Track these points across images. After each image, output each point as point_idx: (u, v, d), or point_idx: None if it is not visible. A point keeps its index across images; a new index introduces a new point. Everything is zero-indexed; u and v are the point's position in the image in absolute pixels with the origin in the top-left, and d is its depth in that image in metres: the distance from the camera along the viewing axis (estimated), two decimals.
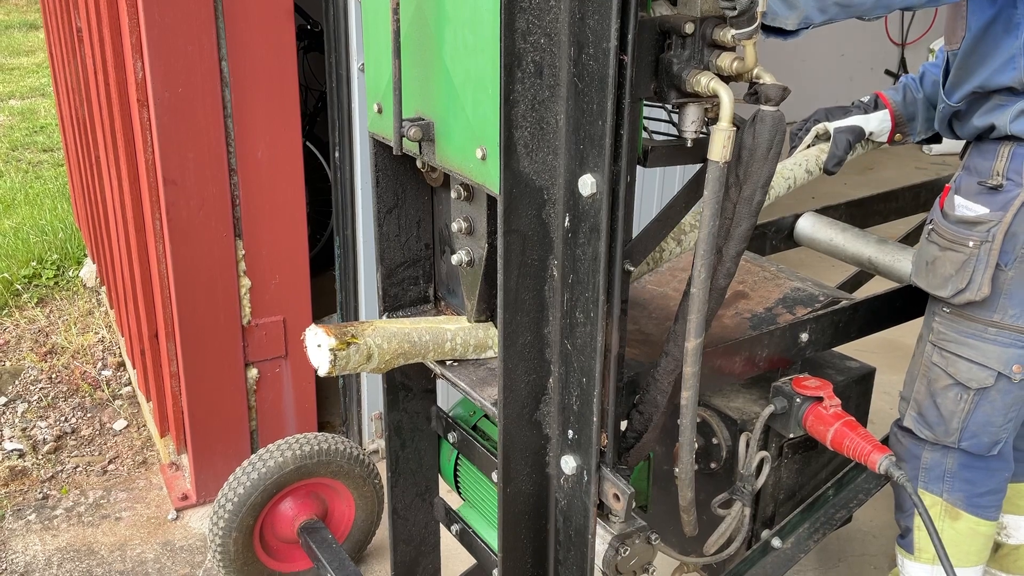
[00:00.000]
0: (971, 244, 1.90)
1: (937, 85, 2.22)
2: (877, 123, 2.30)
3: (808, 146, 2.32)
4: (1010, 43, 1.80)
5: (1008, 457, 2.10)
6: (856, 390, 2.30)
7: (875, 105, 2.33)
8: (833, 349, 2.26)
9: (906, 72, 7.79)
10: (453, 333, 1.71)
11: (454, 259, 1.68)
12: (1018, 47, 1.80)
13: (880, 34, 7.59)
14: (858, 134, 2.27)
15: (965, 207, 1.93)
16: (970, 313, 1.95)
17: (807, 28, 1.69)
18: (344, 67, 2.92)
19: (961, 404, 1.99)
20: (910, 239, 2.67)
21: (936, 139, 2.35)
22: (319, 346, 1.59)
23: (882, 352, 3.49)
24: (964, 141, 2.05)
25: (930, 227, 2.01)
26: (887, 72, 7.85)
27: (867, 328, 2.16)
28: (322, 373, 1.60)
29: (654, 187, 3.56)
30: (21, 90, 9.94)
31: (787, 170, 2.20)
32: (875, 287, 2.35)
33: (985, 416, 1.99)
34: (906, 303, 2.18)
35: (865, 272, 2.66)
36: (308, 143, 4.51)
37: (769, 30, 1.64)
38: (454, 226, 1.68)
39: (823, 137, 2.31)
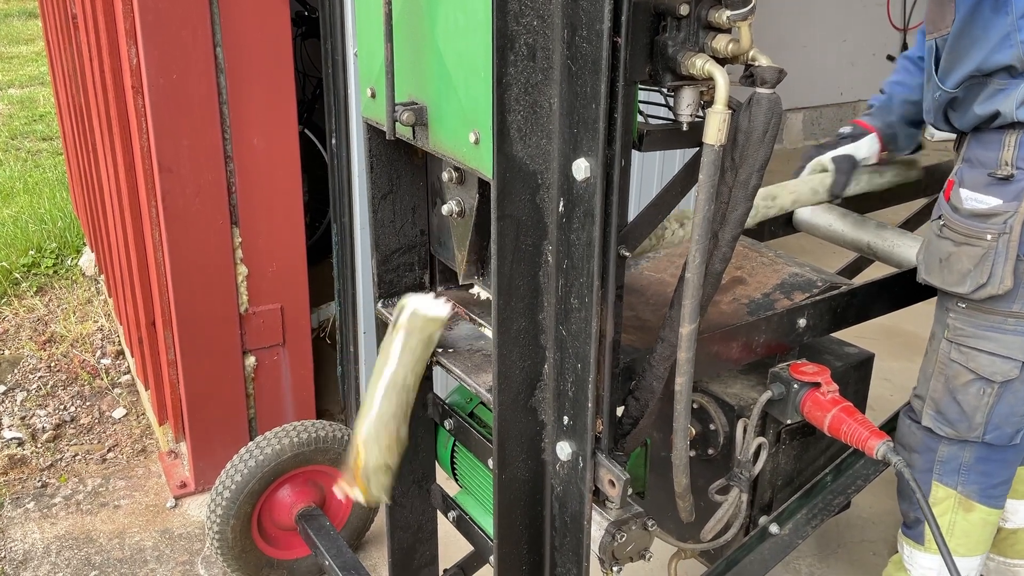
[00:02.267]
0: (989, 237, 1.86)
1: (906, 104, 2.26)
2: (867, 149, 2.31)
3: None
4: (1002, 21, 1.78)
5: (1023, 446, 2.09)
6: (855, 376, 2.29)
7: (862, 134, 2.35)
8: (832, 335, 2.25)
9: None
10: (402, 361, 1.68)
11: (444, 209, 1.65)
12: (1011, 23, 1.77)
13: (882, 19, 7.55)
14: (852, 162, 2.28)
15: (975, 200, 1.89)
16: (988, 306, 1.92)
17: None
18: (340, 53, 2.90)
19: (984, 398, 1.97)
20: (910, 225, 2.65)
21: (918, 149, 2.37)
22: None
23: (882, 338, 3.48)
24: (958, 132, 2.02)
25: (940, 222, 1.97)
26: (889, 58, 7.81)
27: (865, 314, 2.15)
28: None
29: (654, 171, 3.54)
30: (20, 79, 9.91)
31: (792, 185, 2.24)
32: (875, 273, 2.33)
33: (1008, 407, 1.98)
34: (905, 289, 2.17)
35: (865, 258, 2.65)
36: (306, 130, 4.49)
37: None
38: (444, 175, 1.65)
39: (818, 171, 2.32)
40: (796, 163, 2.47)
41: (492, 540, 1.68)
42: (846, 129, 2.37)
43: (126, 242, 3.23)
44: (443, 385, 2.91)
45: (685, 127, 1.49)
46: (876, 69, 7.76)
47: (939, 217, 1.99)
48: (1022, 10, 1.76)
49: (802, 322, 2.01)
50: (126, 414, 3.62)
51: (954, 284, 1.94)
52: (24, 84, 9.70)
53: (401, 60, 1.55)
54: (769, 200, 2.12)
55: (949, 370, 2.01)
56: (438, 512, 2.11)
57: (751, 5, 1.33)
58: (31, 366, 3.97)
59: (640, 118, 1.57)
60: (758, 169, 1.47)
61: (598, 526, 1.59)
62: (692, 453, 2.13)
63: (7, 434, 3.47)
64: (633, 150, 1.48)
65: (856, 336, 2.34)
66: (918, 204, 2.66)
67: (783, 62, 1.45)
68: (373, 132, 1.73)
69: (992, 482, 2.07)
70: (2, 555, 2.85)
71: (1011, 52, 1.79)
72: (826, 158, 2.29)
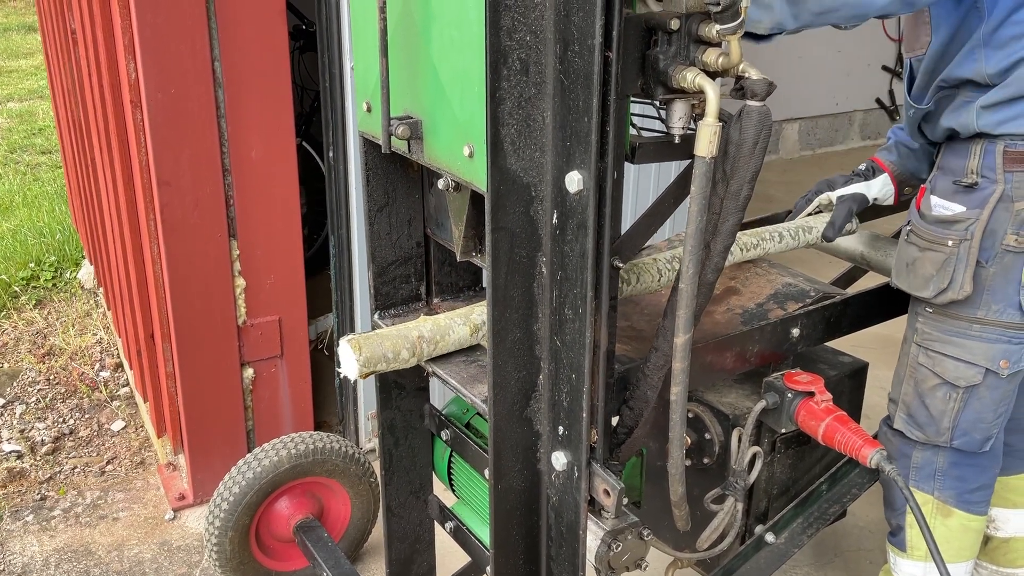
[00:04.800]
0: (950, 243, 1.90)
1: (903, 146, 2.26)
2: (879, 188, 2.30)
3: (809, 216, 2.33)
4: (977, 35, 1.81)
5: (998, 452, 2.10)
6: (849, 385, 2.30)
7: (873, 171, 2.33)
8: (827, 344, 2.26)
9: (903, 67, 7.79)
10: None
11: (440, 184, 1.66)
12: (978, 39, 1.80)
13: (877, 30, 7.59)
14: (861, 201, 2.27)
15: (942, 206, 1.93)
16: (953, 312, 1.95)
17: (780, 33, 1.70)
18: (337, 66, 2.93)
19: (950, 403, 1.99)
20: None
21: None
22: None
23: (878, 347, 3.49)
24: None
25: (908, 228, 2.01)
26: (884, 68, 7.85)
27: (858, 323, 2.16)
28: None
29: (649, 182, 3.57)
30: (19, 92, 9.95)
31: (783, 227, 2.23)
32: (869, 283, 2.35)
33: (975, 413, 1.99)
34: (897, 298, 2.18)
35: (859, 268, 2.66)
36: (304, 143, 4.51)
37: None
38: None
39: (827, 208, 2.31)
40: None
41: (489, 550, 1.69)
42: (862, 166, 2.36)
43: (125, 255, 3.25)
44: (440, 396, 2.92)
45: (677, 139, 1.52)
46: (872, 79, 7.80)
47: (908, 223, 2.02)
48: (994, 23, 1.79)
49: (795, 332, 2.03)
50: (125, 427, 3.63)
51: (918, 288, 1.97)
52: (23, 98, 9.73)
53: (396, 75, 1.57)
54: (751, 249, 2.14)
55: (918, 374, 2.04)
56: (435, 523, 2.11)
57: (740, 20, 1.35)
58: (30, 379, 3.98)
59: (633, 131, 1.59)
60: (749, 180, 1.49)
61: (594, 536, 1.60)
62: (687, 462, 2.14)
63: (6, 447, 3.47)
64: (626, 162, 1.50)
65: (853, 345, 2.35)
66: None
67: (779, 72, 1.47)
68: (369, 145, 1.75)
69: (968, 487, 2.08)
70: (1, 568, 2.85)
71: (972, 67, 1.83)
72: (833, 196, 2.29)
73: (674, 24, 1.39)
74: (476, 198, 1.65)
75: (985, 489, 2.10)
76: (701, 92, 1.41)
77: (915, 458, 2.09)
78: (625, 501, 1.58)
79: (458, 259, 1.75)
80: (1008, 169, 1.84)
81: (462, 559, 2.24)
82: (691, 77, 1.40)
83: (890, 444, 2.14)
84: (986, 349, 1.93)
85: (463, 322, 1.74)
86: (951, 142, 1.96)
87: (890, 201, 2.34)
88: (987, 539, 2.39)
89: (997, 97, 1.82)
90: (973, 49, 1.82)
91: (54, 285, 4.96)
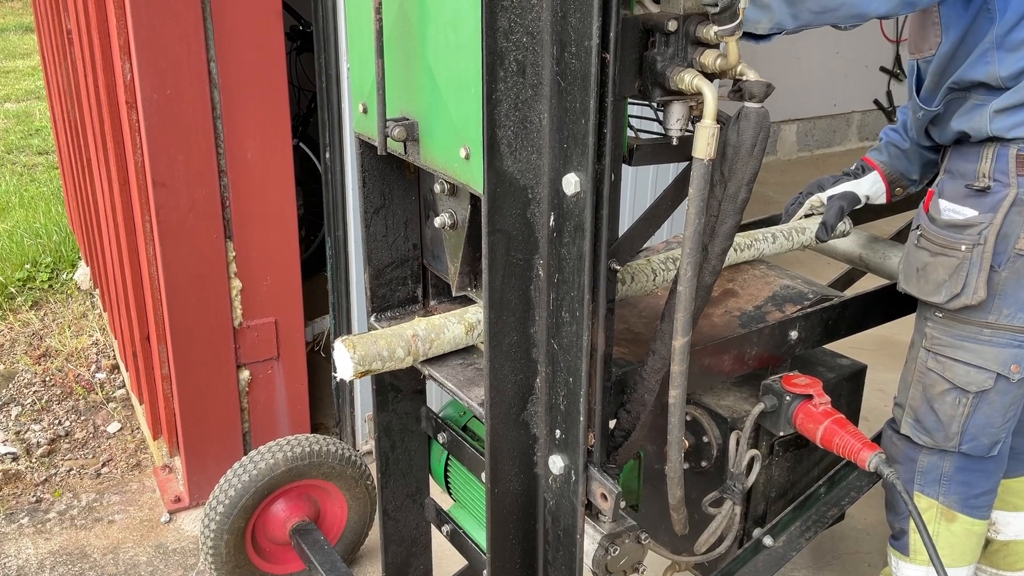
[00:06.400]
0: (963, 248, 1.88)
1: (895, 147, 2.25)
2: (869, 186, 2.29)
3: (802, 219, 2.33)
4: (989, 38, 1.80)
5: (1004, 457, 2.09)
6: (847, 387, 2.30)
7: (863, 170, 2.32)
8: (826, 347, 2.25)
9: (901, 69, 7.80)
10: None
11: (437, 222, 1.66)
12: (990, 41, 1.79)
13: (875, 32, 7.59)
14: (851, 200, 2.27)
15: (952, 211, 1.91)
16: (964, 316, 1.93)
17: (779, 33, 1.69)
18: (334, 67, 2.92)
19: (960, 408, 1.98)
20: (901, 236, 2.66)
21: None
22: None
23: (877, 349, 3.49)
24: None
25: (918, 232, 1.99)
26: (882, 69, 7.85)
27: (856, 325, 2.16)
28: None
29: (647, 184, 3.56)
30: (17, 93, 9.93)
31: (777, 228, 2.24)
32: (867, 284, 2.34)
33: (985, 418, 1.98)
34: (896, 300, 2.18)
35: (857, 270, 2.66)
36: (302, 144, 4.50)
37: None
38: (436, 187, 1.67)
39: (819, 209, 2.30)
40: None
41: (485, 554, 1.68)
42: (851, 166, 2.36)
43: (120, 256, 3.23)
44: (436, 399, 2.92)
45: (675, 141, 1.51)
46: (869, 81, 7.80)
47: (917, 227, 2.01)
48: (1007, 26, 1.78)
49: (794, 334, 2.02)
50: (121, 428, 3.62)
51: (930, 294, 1.95)
52: (20, 98, 9.71)
53: (392, 76, 1.56)
54: (744, 249, 2.15)
55: (926, 379, 2.03)
56: (432, 526, 2.11)
57: (738, 21, 1.34)
58: (26, 380, 3.97)
59: (631, 132, 1.59)
60: (747, 183, 1.48)
61: (591, 539, 1.60)
62: (685, 466, 2.13)
63: (1, 449, 3.46)
64: (624, 164, 1.49)
65: (852, 347, 2.34)
66: (910, 216, 2.67)
67: (777, 74, 1.47)
68: (365, 147, 1.74)
69: (973, 492, 2.07)
70: None
71: (986, 69, 1.81)
72: (824, 196, 2.28)
73: (672, 26, 1.38)
74: (471, 237, 1.65)
75: (989, 494, 2.09)
76: (699, 94, 1.40)
77: (921, 463, 2.08)
78: (622, 505, 1.58)
79: (453, 294, 1.75)
80: (1021, 173, 1.83)
81: (458, 563, 2.23)
82: (689, 79, 1.39)
83: (895, 448, 2.12)
84: (997, 354, 1.92)
85: (457, 320, 1.74)
86: (960, 145, 1.94)
87: (882, 200, 2.32)
88: (988, 542, 2.38)
89: (1010, 100, 1.81)
90: (985, 52, 1.80)
91: (50, 286, 4.94)
